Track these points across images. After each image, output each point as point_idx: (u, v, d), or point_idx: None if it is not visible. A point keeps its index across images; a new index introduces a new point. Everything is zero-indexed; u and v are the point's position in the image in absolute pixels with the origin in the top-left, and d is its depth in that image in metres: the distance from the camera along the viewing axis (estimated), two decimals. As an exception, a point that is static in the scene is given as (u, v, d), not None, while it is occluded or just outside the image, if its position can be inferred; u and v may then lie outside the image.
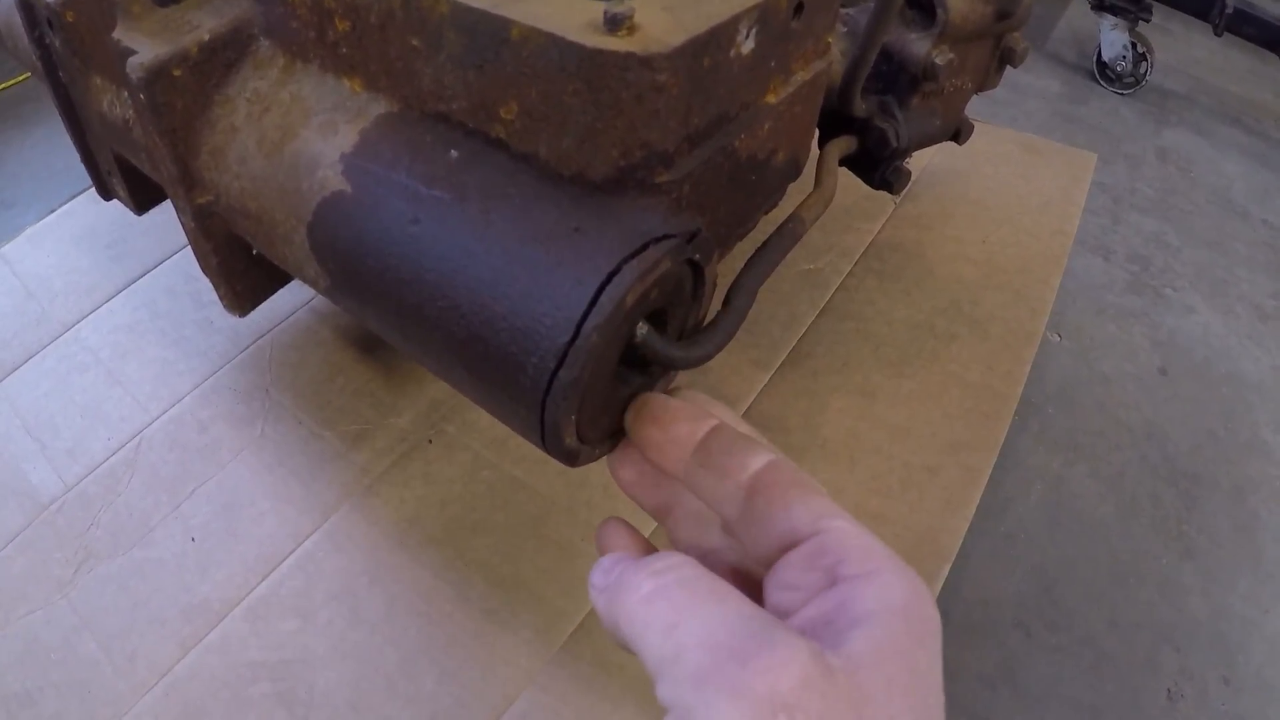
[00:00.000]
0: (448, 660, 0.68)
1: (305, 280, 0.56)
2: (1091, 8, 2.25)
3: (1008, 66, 0.76)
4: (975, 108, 0.80)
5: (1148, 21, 2.21)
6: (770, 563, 0.36)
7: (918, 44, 0.68)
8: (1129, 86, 2.33)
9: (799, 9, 0.48)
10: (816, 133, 0.63)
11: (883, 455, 0.79)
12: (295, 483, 0.79)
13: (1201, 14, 2.20)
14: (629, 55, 0.39)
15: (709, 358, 0.45)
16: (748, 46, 0.45)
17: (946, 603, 0.70)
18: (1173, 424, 1.47)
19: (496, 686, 0.66)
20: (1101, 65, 2.34)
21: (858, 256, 0.98)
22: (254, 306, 0.69)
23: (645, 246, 0.40)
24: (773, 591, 0.35)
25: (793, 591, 0.34)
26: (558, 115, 0.42)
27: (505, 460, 0.79)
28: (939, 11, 0.67)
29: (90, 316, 0.95)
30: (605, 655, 0.67)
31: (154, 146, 0.58)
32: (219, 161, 0.58)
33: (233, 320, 0.90)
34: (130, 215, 1.05)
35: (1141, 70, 2.29)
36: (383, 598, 0.71)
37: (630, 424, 0.43)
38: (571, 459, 0.44)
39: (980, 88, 0.77)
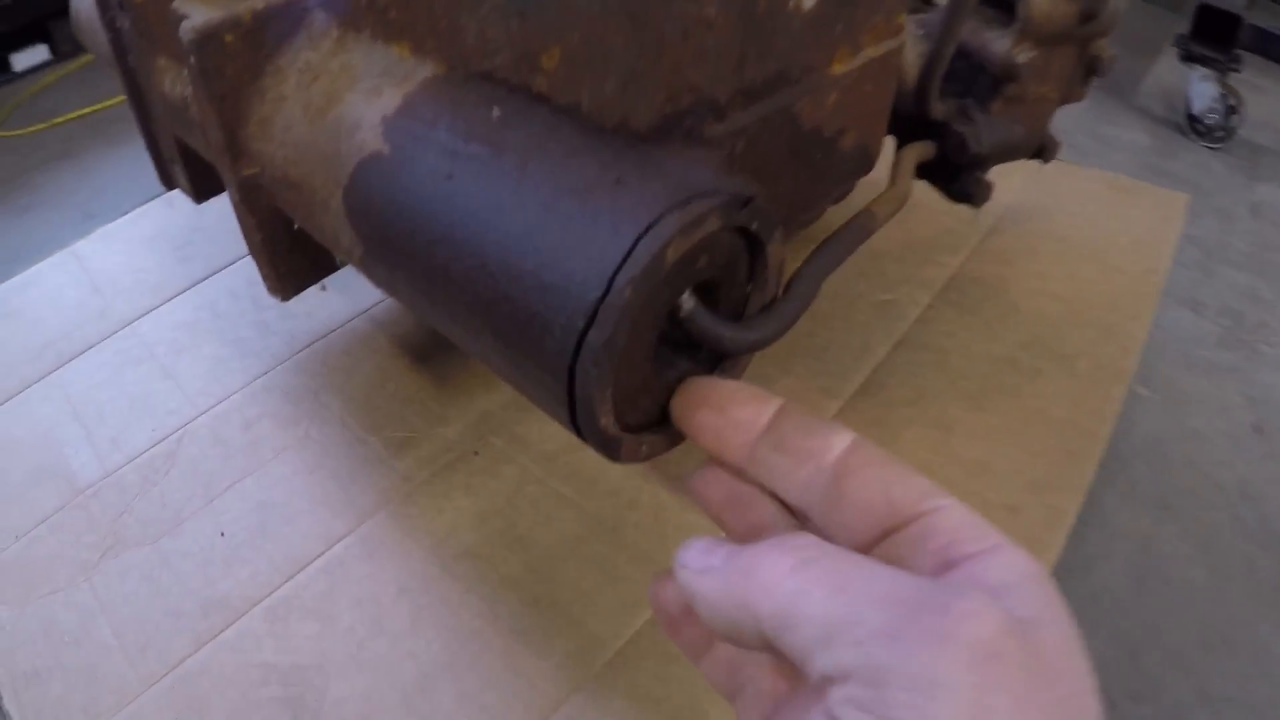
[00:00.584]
0: (470, 680, 0.63)
1: (341, 252, 0.53)
2: (1180, 59, 2.21)
3: (1094, 79, 0.72)
4: (1059, 156, 0.76)
5: (1238, 72, 2.15)
6: (867, 550, 0.33)
7: (997, 42, 0.64)
8: (1219, 140, 2.26)
9: (866, -26, 0.44)
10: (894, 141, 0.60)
11: (959, 491, 0.72)
12: (334, 485, 0.76)
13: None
14: None
15: (765, 343, 0.41)
16: (809, 1, 0.42)
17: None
18: (1269, 484, 1.39)
19: (519, 713, 0.62)
20: (1191, 118, 2.28)
21: (937, 289, 0.93)
22: (297, 291, 0.66)
23: (691, 200, 0.36)
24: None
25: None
26: (600, 57, 0.39)
27: (553, 476, 0.76)
28: (1019, 7, 0.63)
29: (151, 313, 0.96)
30: (642, 688, 0.62)
31: (204, 114, 0.57)
32: (266, 131, 0.56)
33: (290, 324, 0.90)
34: (201, 220, 1.07)
35: (1232, 123, 2.22)
36: (409, 609, 0.67)
37: (679, 409, 0.40)
38: (609, 447, 0.40)
39: (1066, 98, 0.72)
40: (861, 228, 0.51)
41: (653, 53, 0.37)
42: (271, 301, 0.93)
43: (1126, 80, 2.51)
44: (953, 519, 0.32)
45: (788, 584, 0.30)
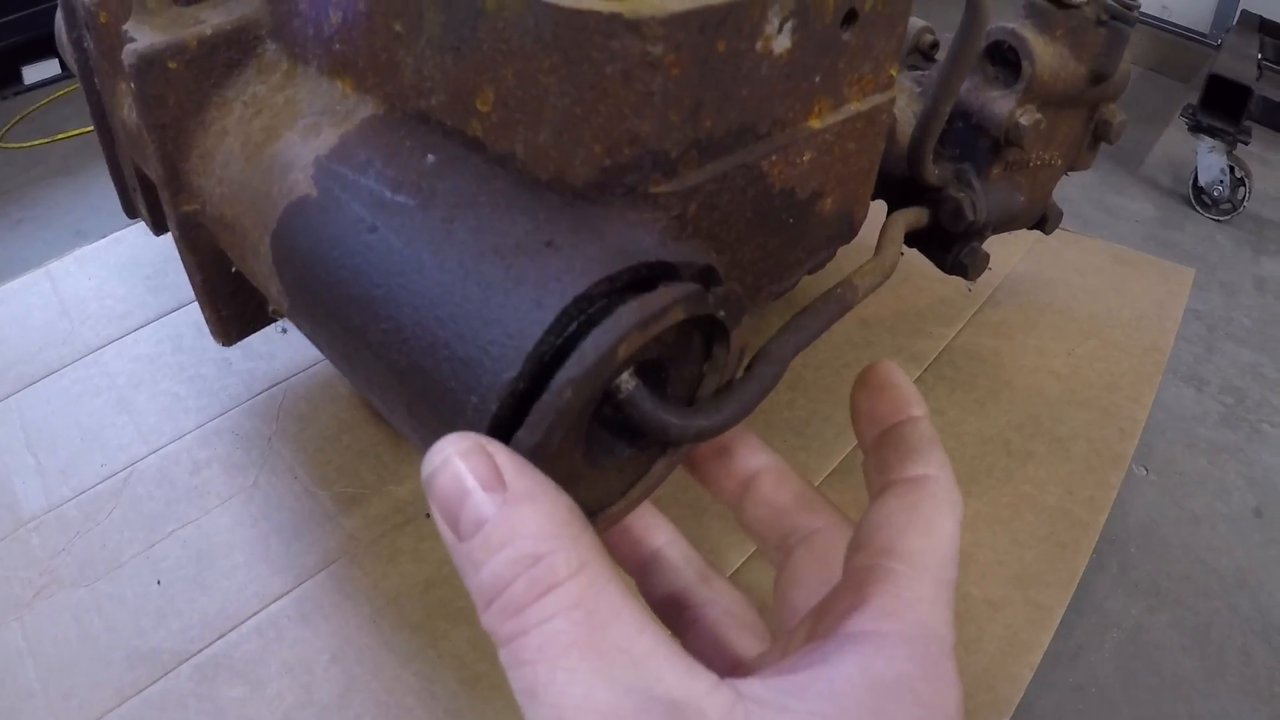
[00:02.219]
0: (399, 761, 0.59)
1: (272, 300, 0.49)
2: (1189, 130, 2.19)
3: (1102, 145, 0.68)
4: (1063, 225, 0.72)
5: (1246, 144, 2.14)
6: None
7: (1000, 102, 0.60)
8: (1226, 212, 2.25)
9: (850, 16, 0.40)
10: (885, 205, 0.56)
11: (937, 582, 0.69)
12: (276, 540, 0.72)
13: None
14: (613, 17, 0.31)
15: (715, 432, 0.36)
16: (781, 44, 0.37)
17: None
18: (1267, 572, 1.34)
19: (447, 803, 0.57)
20: (1198, 189, 2.27)
21: (928, 362, 0.90)
22: (241, 336, 0.63)
23: (636, 270, 0.32)
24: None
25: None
26: (534, 101, 0.35)
27: (504, 544, 0.71)
28: (1024, 64, 0.59)
29: (115, 343, 0.92)
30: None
31: (145, 144, 0.54)
32: (206, 166, 0.53)
33: (251, 365, 0.86)
34: (174, 249, 1.03)
35: (1239, 195, 2.21)
36: (341, 679, 0.63)
37: (854, 386, 0.41)
38: None
39: (1072, 166, 0.69)
40: (839, 301, 0.47)
41: (589, 97, 0.33)
42: (236, 339, 0.91)
43: (1133, 150, 2.49)
44: (885, 588, 0.31)
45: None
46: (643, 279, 0.34)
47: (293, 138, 0.47)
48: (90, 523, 0.74)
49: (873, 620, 0.30)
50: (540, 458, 0.32)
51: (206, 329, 0.90)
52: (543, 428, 0.31)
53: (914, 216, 0.62)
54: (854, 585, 0.32)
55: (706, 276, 0.36)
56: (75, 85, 2.47)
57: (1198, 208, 2.28)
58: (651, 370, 0.36)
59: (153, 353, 0.90)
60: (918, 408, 0.38)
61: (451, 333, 0.33)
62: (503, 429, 0.32)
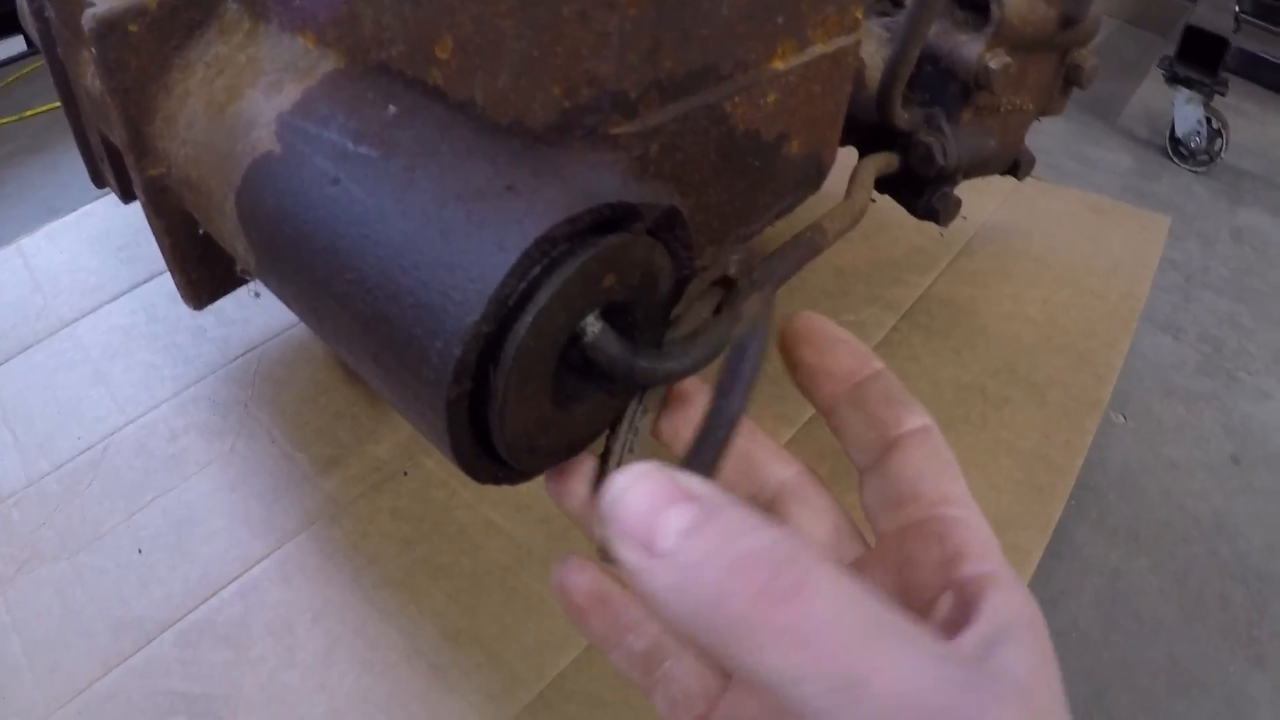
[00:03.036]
0: (383, 718, 0.59)
1: (239, 260, 0.49)
2: (1166, 81, 2.19)
3: (1078, 95, 0.68)
4: (1039, 175, 0.72)
5: (1223, 95, 2.13)
6: (887, 537, 0.34)
7: (969, 46, 0.59)
8: (1203, 164, 2.24)
9: (812, -45, 0.40)
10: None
11: (916, 526, 0.70)
12: (255, 504, 0.72)
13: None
14: None
15: (684, 374, 0.36)
16: (743, -17, 0.37)
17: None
18: (1245, 517, 1.35)
19: (432, 755, 0.58)
20: (1175, 141, 2.26)
21: (904, 310, 0.90)
22: (212, 299, 0.62)
23: (598, 211, 0.32)
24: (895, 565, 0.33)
25: (911, 567, 0.32)
26: (492, 45, 0.35)
27: (483, 501, 0.71)
28: (993, 8, 0.58)
29: (90, 315, 0.92)
30: (565, 732, 0.58)
31: (109, 109, 0.53)
32: (171, 128, 0.52)
33: (226, 331, 0.86)
34: (145, 221, 1.03)
35: (1216, 147, 2.20)
36: (323, 639, 0.63)
37: (788, 338, 0.39)
38: (502, 482, 0.36)
39: (1043, 111, 0.68)
40: (809, 244, 0.47)
41: (547, 38, 0.33)
42: (210, 307, 0.90)
43: (1110, 102, 2.49)
44: (964, 533, 0.31)
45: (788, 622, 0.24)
46: (606, 220, 0.34)
47: (255, 95, 0.47)
48: (70, 495, 0.74)
49: (977, 563, 0.30)
50: (510, 402, 0.32)
51: (179, 299, 0.90)
52: (512, 371, 0.31)
53: (884, 161, 0.62)
54: (934, 538, 0.31)
55: (671, 218, 0.36)
56: (41, 62, 2.43)
57: (1175, 159, 2.28)
58: (618, 314, 0.36)
59: (127, 324, 0.90)
60: (875, 359, 0.37)
61: (415, 280, 0.33)
62: (468, 374, 0.32)
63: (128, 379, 0.84)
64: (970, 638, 0.26)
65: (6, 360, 0.87)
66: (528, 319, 0.31)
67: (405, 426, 0.77)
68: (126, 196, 0.74)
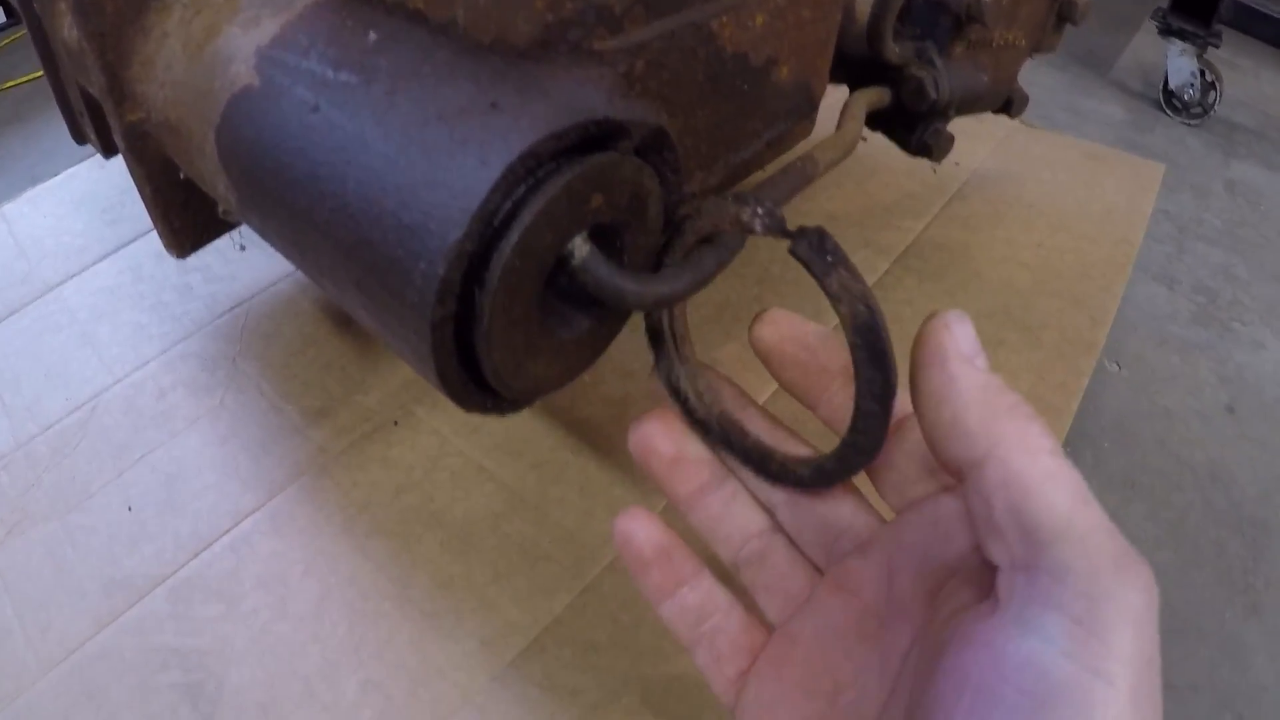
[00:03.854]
0: (376, 667, 0.59)
1: (220, 200, 0.48)
2: (1159, 32, 2.17)
3: (1067, 27, 0.67)
4: (1031, 121, 0.71)
5: (1217, 47, 2.12)
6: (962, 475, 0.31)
7: (961, -23, 0.58)
8: (1196, 116, 2.23)
9: None
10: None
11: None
12: (245, 457, 0.71)
13: (1277, 41, 2.11)
14: None
15: (675, 298, 0.36)
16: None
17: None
18: (1240, 466, 1.35)
19: (426, 703, 0.57)
20: (1168, 93, 2.26)
21: (897, 254, 0.89)
22: (195, 247, 0.61)
23: (584, 127, 0.32)
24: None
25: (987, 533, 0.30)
26: (473, -41, 0.34)
27: (475, 448, 0.71)
28: (986, -63, 0.58)
29: (75, 278, 0.91)
30: (558, 679, 0.58)
31: (85, 55, 0.52)
32: (149, 72, 0.51)
33: (213, 288, 0.85)
34: (130, 181, 1.01)
35: (1210, 99, 2.20)
36: (315, 590, 0.63)
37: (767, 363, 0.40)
38: (490, 411, 0.36)
39: (1036, 47, 0.68)
40: (800, 172, 0.46)
41: None
42: (197, 263, 0.89)
43: (1103, 53, 2.47)
44: (1040, 483, 0.29)
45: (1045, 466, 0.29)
46: (592, 138, 0.33)
47: (234, 31, 0.46)
48: (58, 456, 0.73)
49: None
50: (497, 324, 0.31)
51: (165, 258, 0.90)
52: (498, 291, 0.31)
53: (875, 96, 0.61)
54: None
55: (658, 138, 0.35)
56: (20, 34, 2.41)
57: (1168, 111, 2.27)
58: (607, 239, 0.35)
59: (113, 285, 0.89)
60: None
61: (396, 201, 0.32)
62: (452, 294, 0.31)
63: (115, 339, 0.83)
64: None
65: (-9, 326, 0.86)
66: (513, 237, 0.30)
67: (395, 376, 0.77)
68: (108, 151, 0.72)
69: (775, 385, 0.75)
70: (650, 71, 0.37)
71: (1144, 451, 1.35)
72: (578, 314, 0.37)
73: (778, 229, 0.35)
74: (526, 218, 0.31)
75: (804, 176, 0.47)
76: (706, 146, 0.44)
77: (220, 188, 0.46)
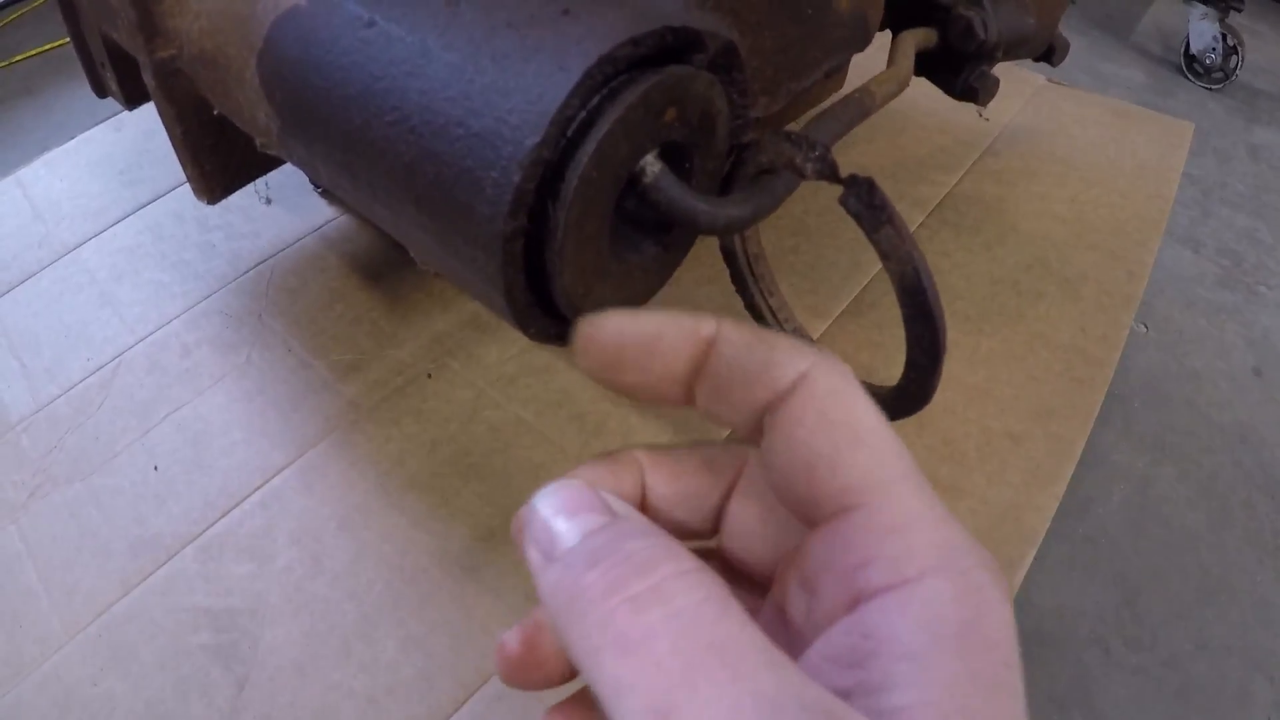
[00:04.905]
0: (415, 624, 0.58)
1: (259, 133, 0.46)
2: (1181, -3, 2.15)
3: (1092, 13, 0.65)
4: (1059, 79, 0.69)
5: (1239, 12, 2.10)
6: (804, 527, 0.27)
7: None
8: (1217, 81, 2.22)
9: None
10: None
11: (957, 418, 0.68)
12: (274, 414, 0.70)
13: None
14: None
15: (744, 224, 0.34)
16: None
17: (1016, 610, 0.59)
18: (1268, 428, 1.35)
19: (469, 660, 0.56)
20: (1189, 58, 2.24)
21: (932, 207, 0.87)
22: (225, 193, 0.60)
23: (661, 34, 0.30)
24: (795, 587, 0.27)
25: (812, 598, 0.25)
26: None
27: (512, 400, 0.69)
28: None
29: (94, 239, 0.89)
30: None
31: (113, -3, 0.50)
32: (182, 5, 0.50)
33: (235, 245, 0.83)
34: (149, 143, 1.01)
35: (1231, 64, 2.18)
36: (350, 546, 0.61)
37: (599, 368, 0.29)
38: (554, 339, 0.34)
39: (1080, -11, 0.66)
40: (858, 104, 0.45)
41: None
42: (219, 221, 0.87)
43: (1123, 18, 2.46)
44: (871, 527, 0.24)
45: (606, 658, 0.21)
46: (668, 46, 0.31)
47: (273, -45, 0.44)
48: (81, 417, 0.72)
49: (887, 573, 0.23)
50: (571, 239, 0.30)
51: (185, 217, 0.88)
52: (574, 204, 0.29)
53: (923, 36, 0.60)
54: (839, 543, 0.25)
55: (730, 55, 0.33)
56: (28, 7, 2.40)
57: (1189, 76, 2.25)
58: (675, 158, 0.34)
59: (133, 245, 0.87)
60: (703, 325, 0.27)
61: (465, 109, 0.31)
62: (525, 206, 0.30)
63: (136, 298, 0.82)
64: (852, 677, 0.22)
65: (9, 290, 0.85)
66: (589, 145, 0.29)
67: (427, 330, 0.75)
68: (131, 101, 0.71)
69: (826, 324, 0.74)
70: (728, -12, 0.36)
71: (1173, 413, 1.34)
72: (645, 238, 0.35)
73: (830, 174, 0.34)
74: (604, 125, 0.29)
75: (862, 109, 0.45)
76: (771, 70, 0.43)
77: (261, 117, 0.44)
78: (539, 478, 0.63)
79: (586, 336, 0.28)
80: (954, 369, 0.72)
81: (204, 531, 0.63)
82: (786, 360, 0.26)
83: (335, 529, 0.62)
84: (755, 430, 0.27)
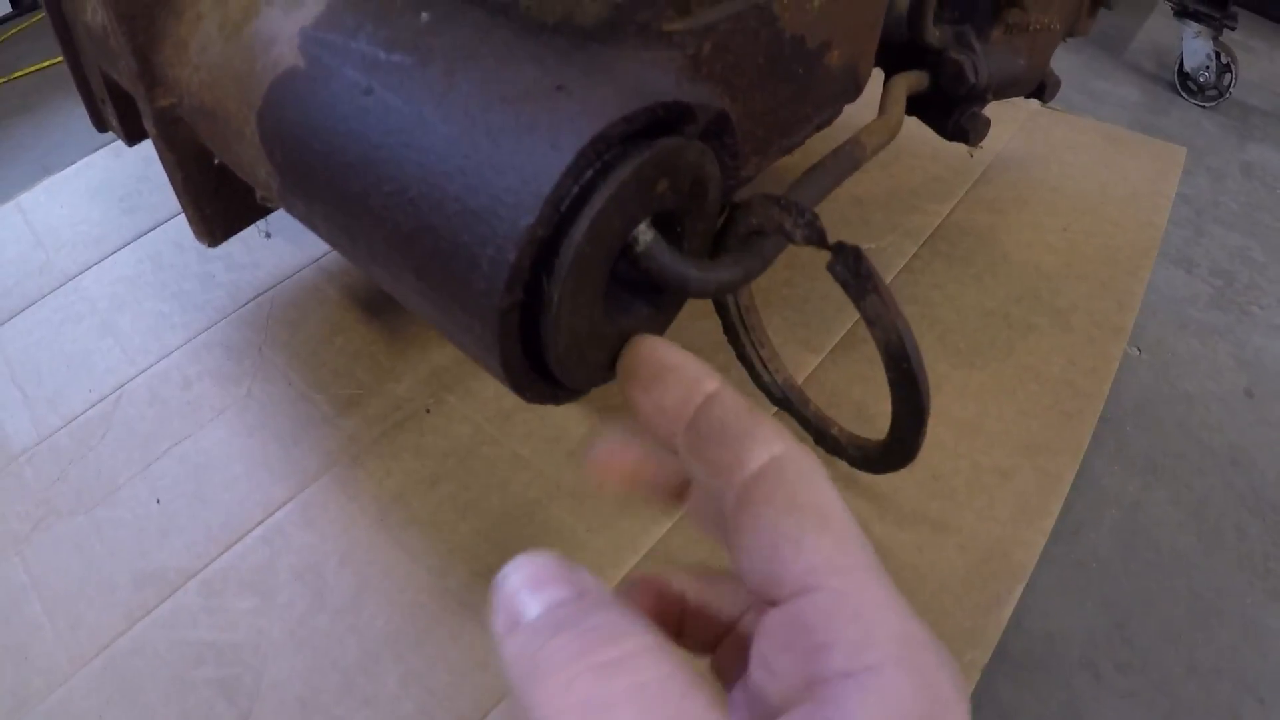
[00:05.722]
0: (416, 659, 0.58)
1: (260, 186, 0.47)
2: (1174, 14, 2.17)
3: (1101, 9, 0.66)
4: (1052, 104, 0.70)
5: (1232, 30, 2.11)
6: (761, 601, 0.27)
7: (1000, -38, 0.58)
8: (1211, 99, 2.23)
9: None
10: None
11: (947, 453, 0.69)
12: (275, 447, 0.71)
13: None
14: None
15: (735, 285, 0.35)
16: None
17: (1006, 635, 0.59)
18: (1260, 450, 1.35)
19: (468, 695, 0.57)
20: (1183, 75, 2.25)
21: (924, 238, 0.88)
22: (226, 235, 0.61)
23: (653, 110, 0.31)
24: (754, 665, 0.27)
25: (770, 676, 0.25)
26: (538, -61, 0.33)
27: (509, 437, 0.70)
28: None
29: (94, 268, 0.90)
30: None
31: (115, 38, 0.51)
32: (181, 55, 0.50)
33: (235, 276, 0.84)
34: (147, 169, 1.02)
35: (1225, 82, 2.19)
36: (352, 581, 0.62)
37: (620, 377, 0.33)
38: (550, 400, 0.35)
39: (1070, 31, 0.67)
40: (849, 157, 0.46)
41: None
42: (218, 253, 0.88)
43: (1117, 35, 2.47)
44: (832, 614, 0.24)
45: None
46: (659, 122, 0.32)
47: (273, 12, 0.45)
48: (83, 449, 0.73)
49: (847, 658, 0.23)
50: (565, 312, 0.31)
51: (185, 246, 0.89)
52: (569, 277, 0.30)
53: (915, 79, 0.61)
54: (797, 627, 0.25)
55: (721, 123, 0.34)
56: (27, 23, 2.40)
57: (1183, 94, 2.26)
58: (666, 225, 0.35)
59: (133, 274, 0.88)
60: (709, 380, 0.30)
61: (461, 185, 0.32)
62: (521, 281, 0.31)
63: (137, 328, 0.82)
64: None
65: (10, 318, 0.85)
66: (584, 222, 0.30)
67: (425, 364, 0.76)
68: (131, 138, 0.72)
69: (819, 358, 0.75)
70: (716, 54, 0.37)
71: (1165, 435, 1.35)
72: (637, 299, 0.36)
73: (818, 240, 0.35)
74: (598, 202, 0.30)
75: (852, 161, 0.46)
76: (762, 131, 0.43)
77: (261, 173, 0.45)
78: (535, 515, 0.64)
79: (634, 343, 0.32)
80: (944, 403, 0.72)
81: (207, 565, 0.64)
82: (765, 438, 0.28)
83: (337, 564, 0.63)
84: (716, 499, 0.29)
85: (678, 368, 0.31)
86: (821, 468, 0.28)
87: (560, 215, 0.30)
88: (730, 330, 0.41)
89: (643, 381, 0.31)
